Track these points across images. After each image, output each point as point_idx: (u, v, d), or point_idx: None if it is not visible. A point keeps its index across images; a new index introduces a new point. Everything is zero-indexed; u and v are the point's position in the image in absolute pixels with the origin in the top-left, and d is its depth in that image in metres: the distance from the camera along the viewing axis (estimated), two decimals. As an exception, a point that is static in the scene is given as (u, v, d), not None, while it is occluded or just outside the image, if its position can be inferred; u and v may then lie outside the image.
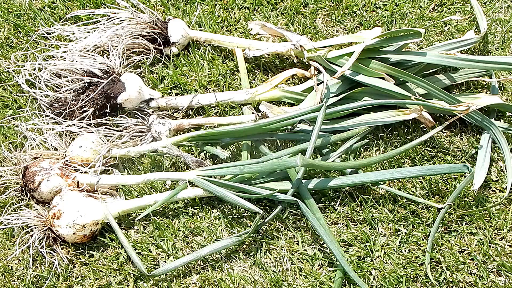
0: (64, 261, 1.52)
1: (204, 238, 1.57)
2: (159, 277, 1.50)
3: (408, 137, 1.70)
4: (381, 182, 1.58)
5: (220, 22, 2.01)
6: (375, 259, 1.52)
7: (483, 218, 1.55)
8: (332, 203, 1.60)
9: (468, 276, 1.48)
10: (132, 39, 1.83)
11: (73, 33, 1.87)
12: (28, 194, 1.60)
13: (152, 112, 1.76)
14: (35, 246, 1.50)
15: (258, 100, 1.76)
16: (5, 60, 1.92)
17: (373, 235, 1.55)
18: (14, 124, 1.76)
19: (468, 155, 1.66)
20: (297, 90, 1.76)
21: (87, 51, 1.81)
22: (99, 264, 1.54)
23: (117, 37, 1.82)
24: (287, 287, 1.49)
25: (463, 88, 1.80)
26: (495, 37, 1.92)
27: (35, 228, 1.52)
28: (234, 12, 2.03)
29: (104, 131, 1.69)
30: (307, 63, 1.80)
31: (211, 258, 1.54)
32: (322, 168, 1.56)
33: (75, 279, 1.53)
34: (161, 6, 2.04)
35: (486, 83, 1.79)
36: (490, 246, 1.52)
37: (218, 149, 1.65)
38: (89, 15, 1.95)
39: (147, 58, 1.87)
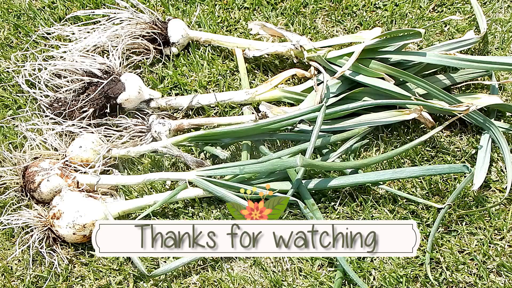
0: (64, 261, 1.52)
1: (204, 238, 1.57)
2: (159, 277, 1.50)
3: (408, 137, 1.70)
4: (381, 182, 1.59)
5: (220, 22, 2.01)
6: (375, 259, 1.52)
7: (483, 218, 1.55)
8: (332, 203, 1.60)
9: (468, 276, 1.48)
10: (132, 39, 1.84)
11: (73, 33, 1.87)
12: (28, 194, 1.60)
13: (152, 112, 1.76)
14: (35, 246, 1.50)
15: (258, 100, 1.76)
16: (5, 60, 1.91)
17: (373, 235, 1.55)
18: (14, 124, 1.76)
19: (468, 155, 1.66)
20: (297, 90, 1.76)
21: (87, 51, 1.81)
22: (99, 264, 1.54)
23: (117, 37, 1.82)
24: (287, 287, 1.49)
25: (463, 88, 1.80)
26: (495, 37, 1.92)
27: (35, 228, 1.52)
28: (234, 12, 2.03)
29: (104, 131, 1.69)
30: (307, 63, 1.79)
31: (211, 258, 1.54)
32: (322, 168, 1.56)
33: (75, 279, 1.53)
34: (161, 6, 2.04)
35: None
36: (490, 246, 1.52)
37: (218, 149, 1.65)
38: (89, 15, 1.95)
39: (147, 58, 1.87)
